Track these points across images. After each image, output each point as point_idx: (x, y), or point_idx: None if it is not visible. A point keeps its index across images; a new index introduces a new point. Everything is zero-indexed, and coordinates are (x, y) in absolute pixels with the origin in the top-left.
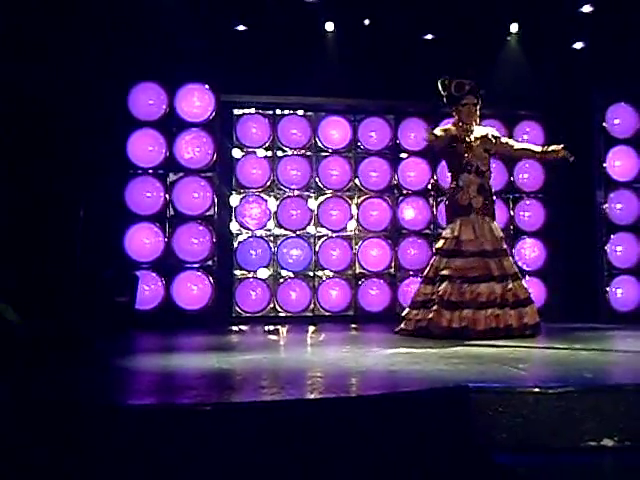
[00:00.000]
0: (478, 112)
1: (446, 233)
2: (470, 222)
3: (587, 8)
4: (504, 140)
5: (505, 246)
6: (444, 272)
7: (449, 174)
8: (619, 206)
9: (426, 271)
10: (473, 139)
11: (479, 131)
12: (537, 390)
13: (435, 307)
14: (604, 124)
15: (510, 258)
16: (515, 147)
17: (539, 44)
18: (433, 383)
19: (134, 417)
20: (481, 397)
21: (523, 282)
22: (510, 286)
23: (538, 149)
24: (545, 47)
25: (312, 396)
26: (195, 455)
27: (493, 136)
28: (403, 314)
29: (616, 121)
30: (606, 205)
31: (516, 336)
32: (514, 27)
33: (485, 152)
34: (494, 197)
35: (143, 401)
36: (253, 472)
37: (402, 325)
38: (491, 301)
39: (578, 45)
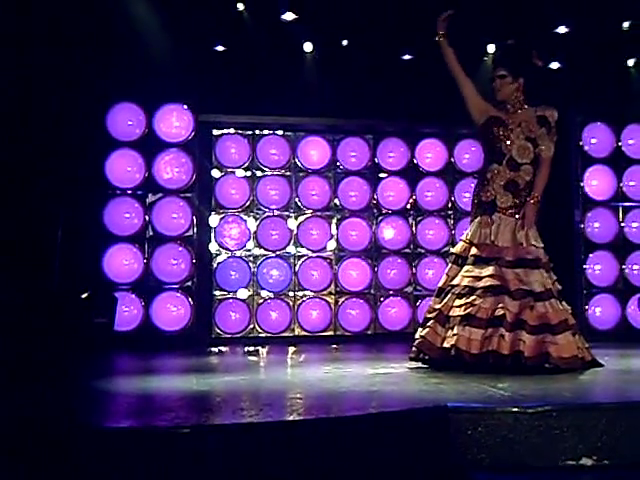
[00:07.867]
0: (515, 88)
1: (464, 235)
2: (490, 223)
3: (563, 29)
4: (548, 141)
5: (539, 257)
6: (453, 282)
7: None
8: (597, 225)
9: (440, 281)
10: (512, 123)
11: (526, 114)
12: (516, 409)
13: (430, 323)
14: (581, 143)
15: (544, 272)
16: (543, 159)
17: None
18: (412, 403)
19: (111, 439)
20: (460, 417)
21: (562, 304)
22: (532, 304)
23: (537, 191)
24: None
25: (292, 417)
26: (173, 478)
27: (544, 123)
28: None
29: (593, 140)
30: (584, 224)
31: (528, 369)
32: (491, 48)
33: (527, 141)
34: (533, 198)
35: (121, 423)
36: None
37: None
38: (495, 318)
39: (554, 65)
